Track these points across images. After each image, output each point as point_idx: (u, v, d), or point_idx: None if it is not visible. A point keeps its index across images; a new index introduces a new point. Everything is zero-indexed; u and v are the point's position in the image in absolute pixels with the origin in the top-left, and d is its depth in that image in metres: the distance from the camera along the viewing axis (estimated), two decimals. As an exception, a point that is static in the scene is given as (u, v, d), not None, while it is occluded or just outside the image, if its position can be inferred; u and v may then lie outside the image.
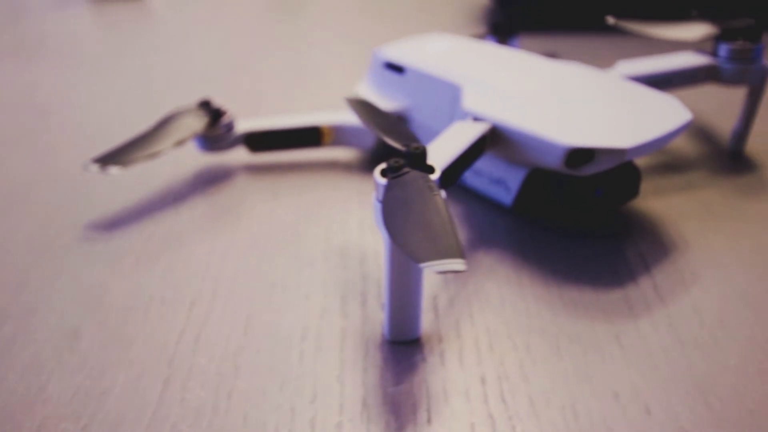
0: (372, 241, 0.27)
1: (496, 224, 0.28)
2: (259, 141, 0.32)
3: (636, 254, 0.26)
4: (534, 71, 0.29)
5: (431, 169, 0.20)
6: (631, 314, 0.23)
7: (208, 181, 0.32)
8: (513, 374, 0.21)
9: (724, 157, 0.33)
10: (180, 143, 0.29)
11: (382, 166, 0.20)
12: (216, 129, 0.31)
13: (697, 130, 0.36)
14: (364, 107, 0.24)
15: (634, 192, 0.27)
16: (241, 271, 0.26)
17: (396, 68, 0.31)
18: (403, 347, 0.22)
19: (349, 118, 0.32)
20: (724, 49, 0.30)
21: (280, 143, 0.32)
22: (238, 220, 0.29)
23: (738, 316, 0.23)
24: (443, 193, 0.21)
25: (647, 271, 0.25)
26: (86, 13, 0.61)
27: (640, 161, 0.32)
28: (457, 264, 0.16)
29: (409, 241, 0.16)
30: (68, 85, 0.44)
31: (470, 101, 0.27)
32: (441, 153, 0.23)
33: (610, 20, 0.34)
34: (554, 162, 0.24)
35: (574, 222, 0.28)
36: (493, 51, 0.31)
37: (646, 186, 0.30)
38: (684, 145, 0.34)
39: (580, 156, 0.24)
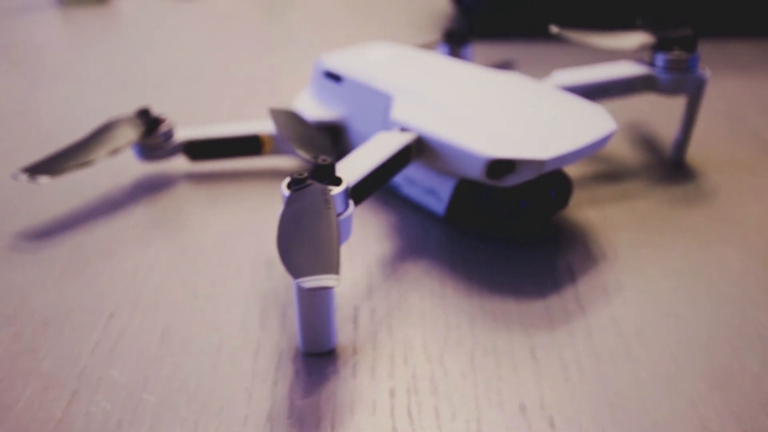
0: (301, 251, 0.27)
1: (429, 234, 0.28)
2: (199, 150, 0.32)
3: (564, 264, 0.26)
4: (467, 81, 0.29)
5: (339, 182, 0.20)
6: (550, 325, 0.23)
7: (147, 189, 0.32)
8: (423, 387, 0.21)
9: (665, 167, 0.33)
10: (114, 152, 0.29)
11: (288, 178, 0.20)
12: (154, 137, 0.31)
13: (642, 139, 0.36)
14: (285, 118, 0.24)
15: (561, 203, 0.27)
16: (165, 281, 0.26)
17: (334, 77, 0.31)
18: (316, 359, 0.22)
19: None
20: (660, 59, 0.31)
21: (219, 152, 0.32)
22: (171, 230, 0.29)
23: (655, 327, 0.23)
24: (352, 206, 0.21)
25: (572, 282, 0.25)
26: (53, 18, 0.60)
27: (581, 170, 0.33)
28: (330, 280, 0.16)
29: (290, 255, 0.16)
30: (25, 91, 0.44)
31: (398, 111, 0.27)
32: (355, 165, 0.23)
33: (554, 30, 0.34)
34: (476, 173, 0.24)
35: (506, 232, 0.28)
36: (430, 61, 0.31)
37: (583, 195, 0.30)
38: (627, 155, 0.34)
39: (500, 167, 0.24)
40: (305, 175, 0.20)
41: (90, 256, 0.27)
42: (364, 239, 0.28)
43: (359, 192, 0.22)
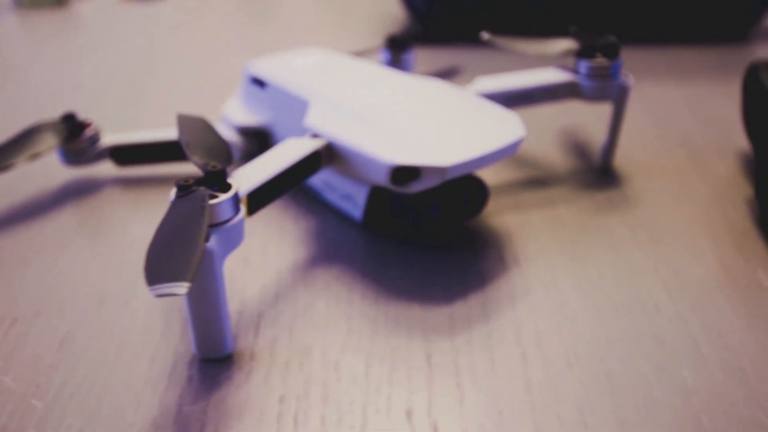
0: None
1: (345, 239, 0.28)
2: (125, 155, 0.32)
3: (475, 270, 0.26)
4: (386, 88, 0.29)
5: (228, 188, 0.20)
6: (451, 331, 0.23)
7: (74, 194, 0.32)
8: (314, 393, 0.21)
9: (592, 173, 0.33)
10: (34, 157, 0.29)
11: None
12: (78, 142, 0.31)
13: (574, 145, 0.36)
14: (191, 124, 0.24)
15: (475, 210, 0.27)
16: (75, 287, 0.25)
17: (259, 83, 0.31)
18: (212, 365, 0.22)
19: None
20: (583, 66, 0.31)
21: (146, 157, 0.32)
22: (89, 235, 0.29)
23: (555, 334, 0.23)
24: (242, 212, 0.21)
25: (481, 288, 0.25)
26: (8, 20, 0.60)
27: (509, 176, 0.33)
28: (180, 288, 0.16)
29: (151, 262, 0.16)
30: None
31: (311, 117, 0.27)
32: (254, 171, 0.23)
33: (485, 36, 0.34)
34: (381, 179, 0.24)
35: (420, 237, 0.28)
36: (355, 67, 0.31)
37: (506, 201, 0.31)
38: (557, 160, 0.34)
39: (405, 173, 0.24)
40: (191, 181, 0.20)
41: (4, 260, 0.27)
42: (280, 245, 0.28)
43: (258, 198, 0.23)
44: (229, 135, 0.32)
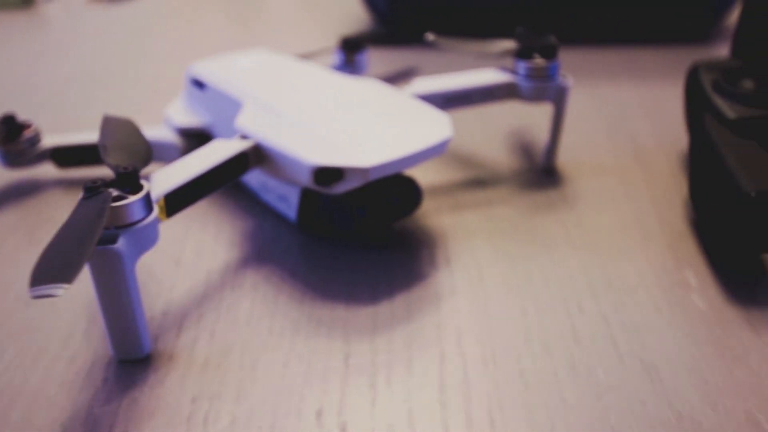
0: (149, 257, 0.27)
1: (280, 240, 0.28)
2: (66, 156, 0.32)
3: (405, 271, 0.26)
4: (322, 90, 0.29)
5: (139, 190, 0.20)
6: (372, 332, 0.23)
7: (14, 196, 0.31)
8: (227, 393, 0.21)
9: (535, 173, 0.33)
10: (-30, 159, 0.29)
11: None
12: (17, 144, 0.31)
13: (521, 145, 0.36)
14: (115, 125, 0.24)
15: (406, 210, 0.27)
16: (2, 288, 0.25)
17: (199, 84, 0.31)
18: (130, 366, 0.22)
19: (154, 133, 0.32)
20: (521, 67, 0.31)
21: (87, 159, 0.32)
22: (26, 236, 0.29)
23: (476, 334, 0.23)
24: (154, 213, 0.21)
25: (407, 288, 0.25)
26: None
27: (452, 176, 0.33)
28: (57, 289, 0.16)
29: (41, 262, 0.17)
30: None
31: (242, 118, 0.27)
32: (174, 172, 0.23)
33: (430, 37, 0.34)
34: (305, 180, 0.24)
35: (351, 238, 0.28)
36: (295, 69, 0.31)
37: (445, 201, 0.31)
38: (501, 161, 0.34)
39: (328, 174, 0.24)
40: (99, 183, 0.20)
41: (-66, 264, 0.27)
42: (214, 245, 0.28)
43: (177, 199, 0.23)
44: (170, 136, 0.32)
